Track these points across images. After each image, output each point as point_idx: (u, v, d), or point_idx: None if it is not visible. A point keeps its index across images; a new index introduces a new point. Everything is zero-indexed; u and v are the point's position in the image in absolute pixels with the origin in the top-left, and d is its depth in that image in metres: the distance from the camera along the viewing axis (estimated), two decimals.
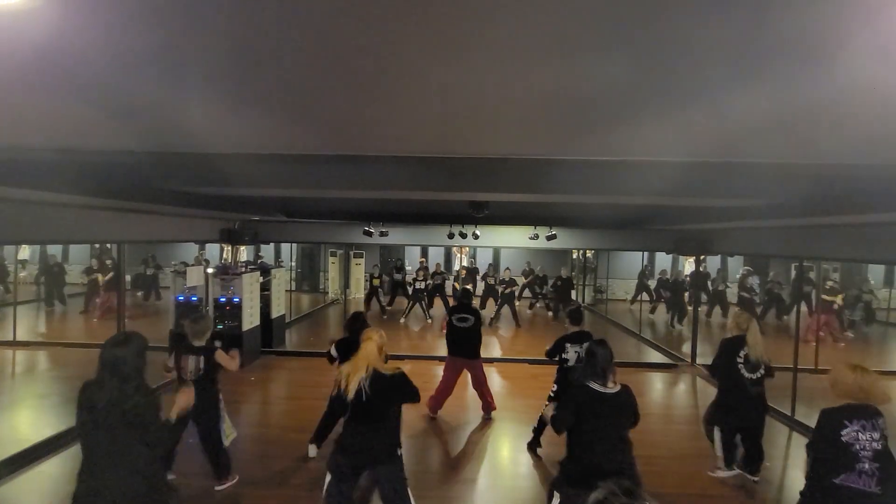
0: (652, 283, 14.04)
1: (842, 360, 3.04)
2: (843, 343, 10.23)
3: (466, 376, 6.31)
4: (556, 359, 5.00)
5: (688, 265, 13.32)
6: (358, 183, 4.37)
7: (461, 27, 1.18)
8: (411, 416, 6.11)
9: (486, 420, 6.19)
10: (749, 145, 2.09)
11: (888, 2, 1.01)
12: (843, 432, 2.73)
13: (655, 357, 9.74)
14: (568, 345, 4.90)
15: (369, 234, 9.06)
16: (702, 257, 9.44)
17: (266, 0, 1.08)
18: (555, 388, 5.04)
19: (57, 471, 4.65)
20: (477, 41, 1.25)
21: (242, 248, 8.93)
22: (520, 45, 1.27)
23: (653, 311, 13.66)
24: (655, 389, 8.04)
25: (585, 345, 4.89)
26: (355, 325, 4.74)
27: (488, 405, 6.24)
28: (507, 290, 12.38)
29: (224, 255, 8.89)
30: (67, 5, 1.08)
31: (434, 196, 5.02)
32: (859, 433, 2.73)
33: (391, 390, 3.27)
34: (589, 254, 16.11)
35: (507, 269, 13.18)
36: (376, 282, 13.24)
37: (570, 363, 4.85)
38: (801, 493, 2.93)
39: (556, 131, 2.07)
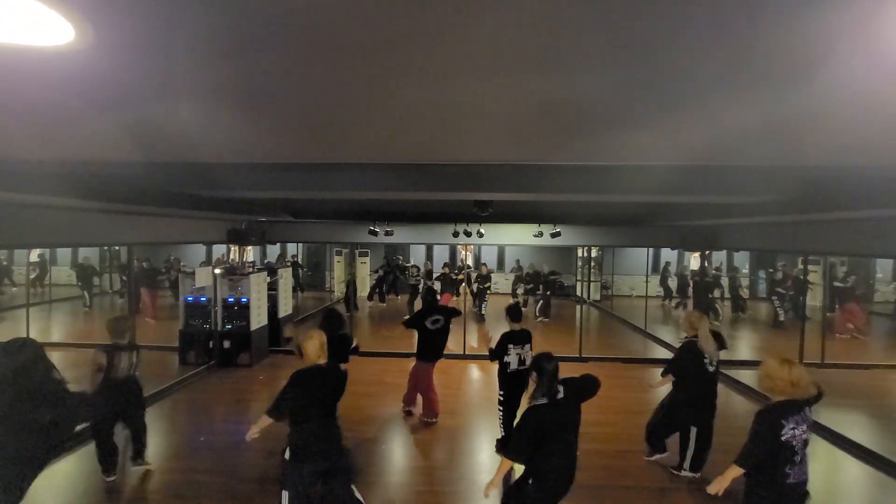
0: (672, 282, 13.96)
1: (772, 354, 2.93)
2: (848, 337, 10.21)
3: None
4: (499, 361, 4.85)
5: (693, 260, 13.26)
6: (361, 185, 4.44)
7: (458, 44, 1.25)
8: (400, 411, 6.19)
9: (429, 423, 5.88)
10: (739, 150, 2.14)
11: (866, 20, 1.08)
12: (783, 432, 2.73)
13: (661, 353, 9.76)
14: (510, 346, 4.77)
15: (374, 233, 9.12)
16: (707, 252, 9.44)
17: (271, 26, 1.16)
18: (501, 392, 4.94)
19: (73, 468, 4.77)
20: (475, 56, 1.31)
21: (250, 248, 9.03)
22: (514, 58, 1.33)
23: (678, 306, 13.50)
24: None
25: (527, 348, 4.81)
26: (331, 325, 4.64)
27: (432, 406, 5.92)
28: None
29: (231, 256, 8.96)
30: (105, 45, 1.22)
31: (435, 196, 5.08)
32: (794, 430, 2.75)
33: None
34: (594, 251, 16.12)
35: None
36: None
37: (512, 367, 4.77)
38: (749, 494, 2.88)
39: (552, 138, 2.13)
